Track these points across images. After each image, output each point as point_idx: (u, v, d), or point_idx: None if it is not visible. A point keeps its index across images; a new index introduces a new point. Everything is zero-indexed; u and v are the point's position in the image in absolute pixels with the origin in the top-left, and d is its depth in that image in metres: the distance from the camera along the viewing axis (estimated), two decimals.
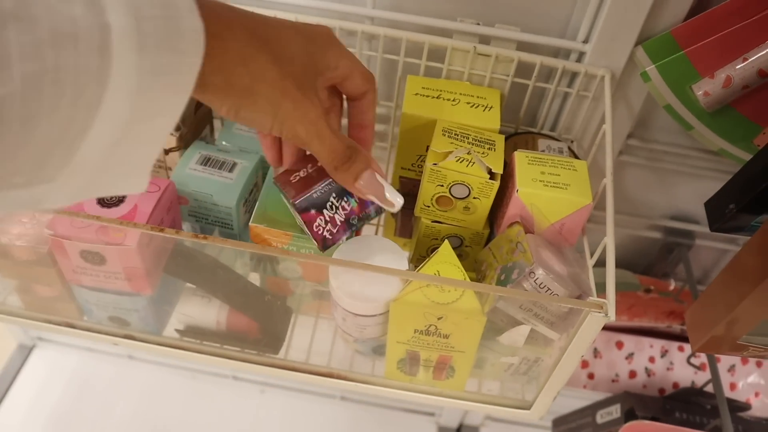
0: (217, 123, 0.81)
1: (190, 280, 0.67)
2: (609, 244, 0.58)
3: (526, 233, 0.61)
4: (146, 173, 0.37)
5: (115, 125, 0.32)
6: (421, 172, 0.72)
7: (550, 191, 0.61)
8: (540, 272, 0.57)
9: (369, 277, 0.60)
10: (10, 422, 1.32)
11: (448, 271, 0.60)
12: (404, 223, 0.78)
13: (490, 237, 0.68)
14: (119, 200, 0.63)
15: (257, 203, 0.65)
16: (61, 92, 0.28)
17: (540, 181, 0.61)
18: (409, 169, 0.72)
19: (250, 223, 0.63)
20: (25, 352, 1.42)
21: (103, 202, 0.62)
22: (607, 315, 0.54)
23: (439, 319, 0.60)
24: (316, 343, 0.73)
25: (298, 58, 0.44)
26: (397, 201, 0.55)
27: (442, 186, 0.63)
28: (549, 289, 0.58)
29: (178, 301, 0.71)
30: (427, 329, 0.61)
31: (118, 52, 0.30)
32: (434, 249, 0.70)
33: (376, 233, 0.86)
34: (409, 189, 0.74)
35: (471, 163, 0.62)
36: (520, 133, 0.75)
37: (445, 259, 0.61)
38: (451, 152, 0.62)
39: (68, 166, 0.31)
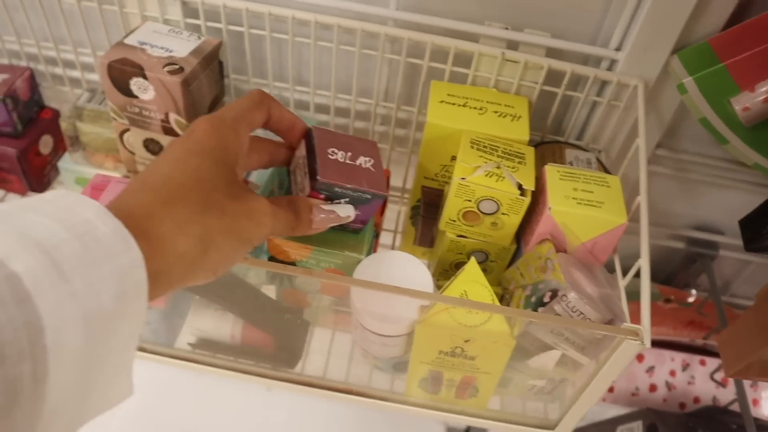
0: None
1: (206, 295, 0.64)
2: (644, 266, 0.56)
3: (557, 251, 0.59)
4: (129, 379, 0.35)
5: (72, 360, 0.29)
6: (445, 182, 0.69)
7: (583, 209, 0.58)
8: (572, 295, 0.55)
9: (393, 297, 0.58)
10: None
11: (475, 292, 0.58)
12: (424, 232, 0.75)
13: (517, 252, 0.66)
14: None
15: None
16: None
17: (573, 198, 0.59)
18: (432, 179, 0.69)
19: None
20: None
21: None
22: (642, 343, 0.52)
23: (466, 341, 0.57)
24: (333, 357, 0.70)
25: (213, 177, 0.41)
26: (351, 213, 0.55)
27: (470, 201, 0.60)
28: (581, 312, 0.56)
29: (189, 313, 0.69)
30: (453, 351, 0.59)
31: (37, 291, 0.27)
32: (458, 263, 0.68)
33: (394, 240, 0.83)
34: (431, 198, 0.71)
35: (501, 179, 0.59)
36: (547, 142, 0.73)
37: (472, 278, 0.59)
38: (479, 166, 0.60)
39: (41, 420, 0.28)
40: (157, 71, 0.61)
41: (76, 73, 0.81)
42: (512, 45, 0.68)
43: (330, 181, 0.56)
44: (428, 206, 0.72)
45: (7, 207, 0.31)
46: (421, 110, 0.74)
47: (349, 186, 0.56)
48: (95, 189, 0.61)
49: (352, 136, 0.61)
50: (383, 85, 0.73)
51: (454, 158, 0.67)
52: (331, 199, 0.57)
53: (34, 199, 0.32)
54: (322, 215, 0.52)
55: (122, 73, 0.62)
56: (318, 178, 0.55)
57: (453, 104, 0.66)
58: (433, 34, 0.67)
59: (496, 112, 0.66)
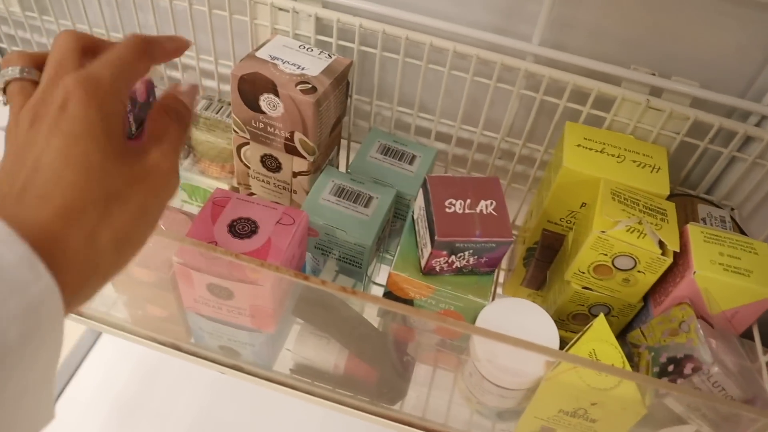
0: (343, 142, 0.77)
1: (319, 324, 0.62)
2: None
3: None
4: (50, 407, 0.32)
5: None
6: (569, 227, 0.66)
7: (730, 277, 0.54)
8: (716, 370, 0.51)
9: (519, 350, 0.55)
10: (76, 403, 1.31)
11: (604, 352, 0.55)
12: (535, 275, 0.72)
13: (642, 310, 0.62)
14: (252, 231, 0.58)
15: (398, 248, 0.60)
16: None
17: (719, 264, 0.55)
18: (556, 223, 0.66)
19: (391, 270, 0.59)
20: (94, 335, 1.40)
21: (235, 232, 0.58)
22: None
23: (592, 404, 0.54)
24: (432, 397, 0.68)
25: (103, 160, 0.34)
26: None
27: (606, 255, 0.57)
28: (723, 388, 0.52)
29: (293, 338, 0.67)
30: (575, 411, 0.56)
31: None
32: (576, 314, 0.64)
33: (498, 275, 0.80)
34: (550, 242, 0.68)
35: (642, 235, 0.56)
36: (678, 194, 0.69)
37: (601, 336, 0.56)
38: (620, 220, 0.56)
39: None
40: (290, 89, 0.60)
41: (193, 77, 0.80)
42: (655, 91, 0.65)
43: (450, 239, 0.54)
44: (545, 249, 0.69)
45: None
46: (548, 149, 0.71)
47: (471, 240, 0.55)
48: (216, 205, 0.60)
49: (470, 178, 0.59)
50: (510, 120, 0.70)
51: (584, 205, 0.63)
52: (454, 253, 0.55)
53: None
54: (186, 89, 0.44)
55: (253, 87, 0.61)
56: (437, 238, 0.54)
57: (590, 149, 0.63)
58: (571, 72, 0.64)
59: (634, 161, 0.62)
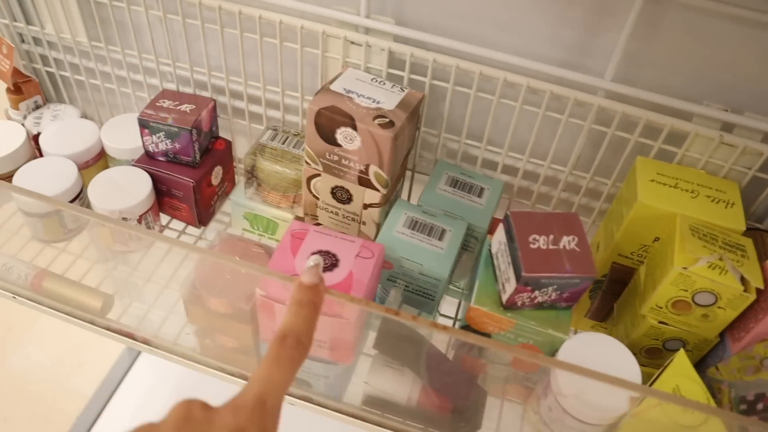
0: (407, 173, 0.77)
1: (398, 357, 0.63)
2: None
3: None
4: None
5: None
6: (640, 261, 0.66)
7: None
8: None
9: (602, 385, 0.55)
10: (114, 424, 1.31)
11: (688, 388, 0.55)
12: (600, 308, 0.73)
13: (718, 345, 0.62)
14: (333, 264, 0.59)
15: (477, 282, 0.61)
16: None
17: None
18: (626, 257, 0.67)
19: (471, 304, 0.59)
20: (133, 354, 1.40)
21: None
22: None
23: None
24: (502, 429, 0.68)
25: None
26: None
27: (686, 291, 0.58)
28: None
29: (361, 366, 0.67)
30: None
31: None
32: (650, 349, 0.64)
33: None
34: (619, 276, 0.68)
35: (724, 272, 0.56)
36: (749, 228, 0.69)
37: (682, 371, 0.56)
38: (702, 257, 0.57)
39: None
40: (368, 123, 0.60)
41: (257, 108, 0.81)
42: (726, 127, 0.65)
43: (536, 275, 0.55)
44: (614, 283, 0.69)
45: None
46: (616, 182, 0.71)
47: (556, 276, 0.55)
48: (295, 237, 0.60)
49: (550, 214, 0.59)
50: (578, 153, 0.70)
51: (657, 239, 0.64)
52: (538, 288, 0.56)
53: None
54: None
55: (330, 121, 0.61)
56: (523, 274, 0.54)
57: (664, 184, 0.63)
58: (641, 106, 0.65)
59: (708, 196, 0.63)
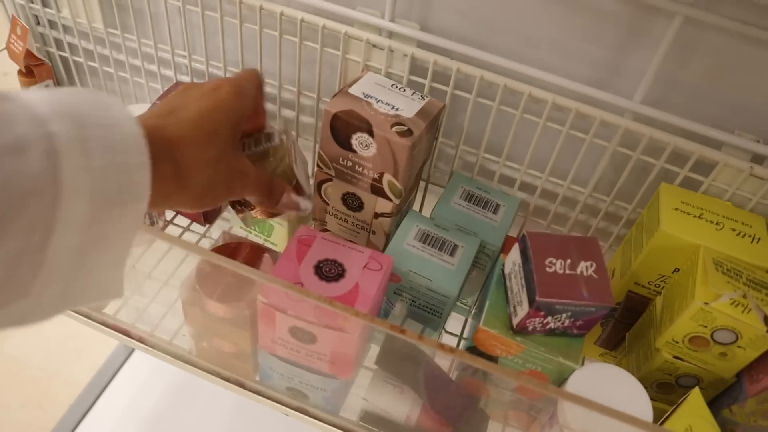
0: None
1: (400, 376, 0.60)
2: None
3: None
4: (120, 278, 0.37)
5: (77, 226, 0.31)
6: (657, 291, 0.64)
7: None
8: None
9: (611, 420, 0.52)
10: (107, 418, 1.29)
11: (702, 429, 0.53)
12: (611, 336, 0.70)
13: (732, 385, 0.60)
14: (338, 274, 0.56)
15: (487, 303, 0.58)
16: (16, 199, 0.28)
17: None
18: (643, 286, 0.64)
19: (480, 325, 0.57)
20: (128, 350, 1.38)
21: (322, 274, 0.56)
22: None
23: None
24: None
25: (227, 135, 0.44)
26: (309, 207, 0.56)
27: (705, 327, 0.55)
28: None
29: (361, 382, 0.65)
30: None
31: (67, 156, 0.30)
32: (661, 383, 0.62)
33: None
34: (634, 305, 0.66)
35: (747, 310, 0.54)
36: None
37: (696, 411, 0.53)
38: (725, 293, 0.54)
39: (38, 277, 0.31)
40: (386, 130, 0.58)
41: (272, 107, 0.79)
42: (757, 158, 0.63)
43: (551, 300, 0.52)
44: (628, 311, 0.67)
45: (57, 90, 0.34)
46: (636, 208, 0.69)
47: (571, 302, 0.53)
48: (301, 243, 0.58)
49: (568, 237, 0.57)
50: (598, 174, 0.68)
51: (677, 270, 0.61)
52: (551, 314, 0.53)
53: (75, 89, 0.35)
54: (285, 201, 0.53)
55: (346, 125, 0.59)
56: (537, 298, 0.52)
57: (688, 214, 0.61)
58: (668, 131, 0.62)
59: (734, 229, 0.60)
